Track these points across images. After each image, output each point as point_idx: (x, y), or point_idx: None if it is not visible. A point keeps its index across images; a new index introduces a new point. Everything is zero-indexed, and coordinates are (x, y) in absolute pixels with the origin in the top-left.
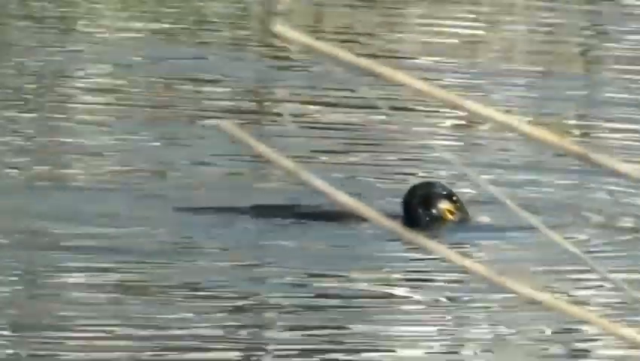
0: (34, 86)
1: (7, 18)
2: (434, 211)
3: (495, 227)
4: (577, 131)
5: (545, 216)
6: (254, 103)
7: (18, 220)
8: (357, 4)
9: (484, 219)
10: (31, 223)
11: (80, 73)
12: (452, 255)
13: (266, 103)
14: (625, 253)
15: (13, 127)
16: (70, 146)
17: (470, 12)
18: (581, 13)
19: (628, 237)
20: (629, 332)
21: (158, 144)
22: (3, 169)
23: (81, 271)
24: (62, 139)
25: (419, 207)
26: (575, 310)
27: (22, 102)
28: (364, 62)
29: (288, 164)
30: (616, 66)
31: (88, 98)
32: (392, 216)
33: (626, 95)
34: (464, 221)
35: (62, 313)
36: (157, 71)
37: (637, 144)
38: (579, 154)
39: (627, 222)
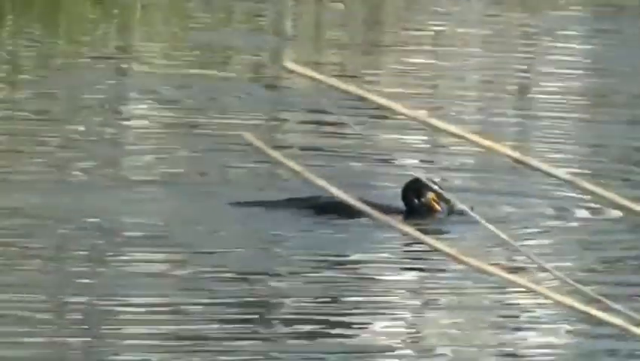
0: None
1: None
2: (423, 200)
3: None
4: (516, 143)
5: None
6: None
7: (85, 214)
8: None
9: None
10: (95, 216)
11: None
12: (436, 243)
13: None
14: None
15: (77, 136)
16: (126, 149)
17: (433, 52)
18: (518, 55)
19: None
20: (570, 301)
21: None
22: (68, 170)
23: (137, 261)
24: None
25: (413, 197)
26: (525, 282)
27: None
28: (361, 91)
29: (296, 167)
30: (547, 96)
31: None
32: (390, 208)
33: (553, 114)
34: (449, 209)
35: (121, 293)
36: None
37: (563, 154)
38: (519, 160)
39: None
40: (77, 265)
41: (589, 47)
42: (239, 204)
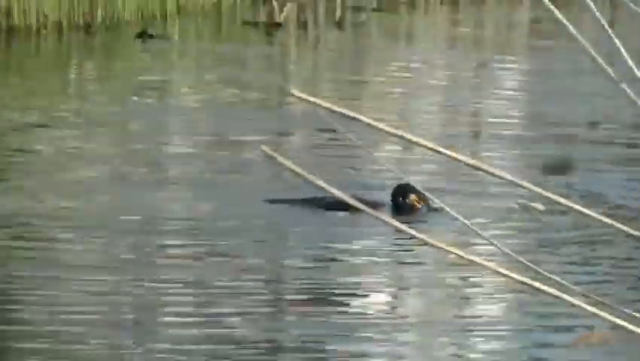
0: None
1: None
2: (407, 201)
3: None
4: (470, 151)
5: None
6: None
7: (129, 211)
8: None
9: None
10: (138, 212)
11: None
12: (417, 233)
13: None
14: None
15: (126, 147)
16: (165, 157)
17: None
18: (471, 86)
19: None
20: (519, 276)
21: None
22: (116, 175)
23: (173, 249)
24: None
25: (400, 198)
26: (485, 262)
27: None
28: (355, 114)
29: (301, 172)
30: (493, 118)
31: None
32: (383, 204)
33: (499, 132)
34: (427, 208)
35: (158, 276)
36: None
37: (507, 162)
38: (475, 166)
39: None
40: (121, 254)
41: (526, 78)
42: (257, 202)
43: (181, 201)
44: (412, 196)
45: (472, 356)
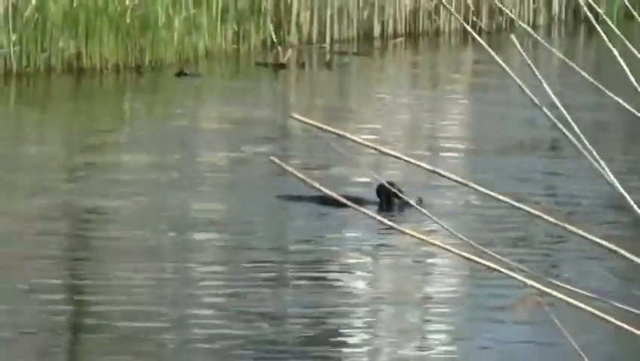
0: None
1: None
2: (388, 198)
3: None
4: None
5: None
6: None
7: (169, 210)
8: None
9: (414, 202)
10: (173, 211)
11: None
12: (395, 225)
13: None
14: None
15: (164, 158)
16: (194, 166)
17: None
18: (427, 115)
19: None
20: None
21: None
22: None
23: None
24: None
25: (382, 196)
26: (451, 248)
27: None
28: (341, 132)
29: (304, 177)
30: (443, 136)
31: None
32: (368, 201)
33: (449, 146)
34: (403, 203)
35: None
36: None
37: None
38: (433, 171)
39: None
40: (161, 244)
41: (468, 107)
42: (267, 201)
43: (206, 202)
44: (392, 194)
45: (434, 323)
